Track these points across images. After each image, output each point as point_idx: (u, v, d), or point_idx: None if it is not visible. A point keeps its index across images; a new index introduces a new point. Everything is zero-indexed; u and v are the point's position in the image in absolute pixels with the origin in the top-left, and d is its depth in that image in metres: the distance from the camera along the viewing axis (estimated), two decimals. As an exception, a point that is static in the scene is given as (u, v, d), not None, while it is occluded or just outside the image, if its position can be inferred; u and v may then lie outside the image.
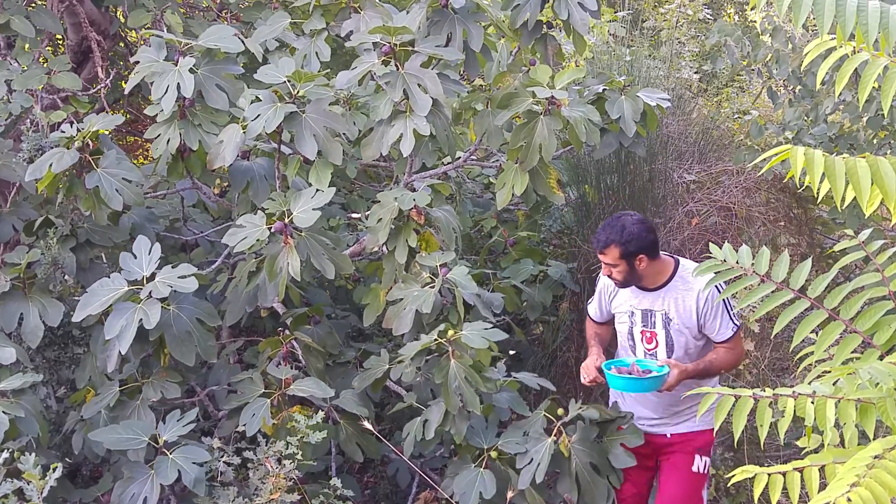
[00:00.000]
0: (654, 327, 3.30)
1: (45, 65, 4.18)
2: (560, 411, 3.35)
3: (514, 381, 3.58)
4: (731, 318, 3.24)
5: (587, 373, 3.32)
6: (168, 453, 3.12)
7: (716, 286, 3.11)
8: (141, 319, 3.05)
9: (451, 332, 3.27)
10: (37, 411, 3.18)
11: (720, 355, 3.27)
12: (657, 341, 3.31)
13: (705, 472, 3.37)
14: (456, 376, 3.26)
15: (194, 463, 3.08)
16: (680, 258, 3.37)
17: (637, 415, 3.37)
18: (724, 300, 3.18)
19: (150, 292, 3.11)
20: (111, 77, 4.55)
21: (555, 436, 3.25)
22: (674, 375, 3.13)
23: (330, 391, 3.38)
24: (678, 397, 3.24)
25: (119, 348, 3.06)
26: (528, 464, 3.22)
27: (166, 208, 4.37)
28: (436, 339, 3.26)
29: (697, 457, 3.34)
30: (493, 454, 3.35)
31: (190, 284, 3.15)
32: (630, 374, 3.19)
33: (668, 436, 3.38)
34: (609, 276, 3.28)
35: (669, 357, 3.27)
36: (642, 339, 3.34)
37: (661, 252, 3.29)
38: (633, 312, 3.35)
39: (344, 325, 4.39)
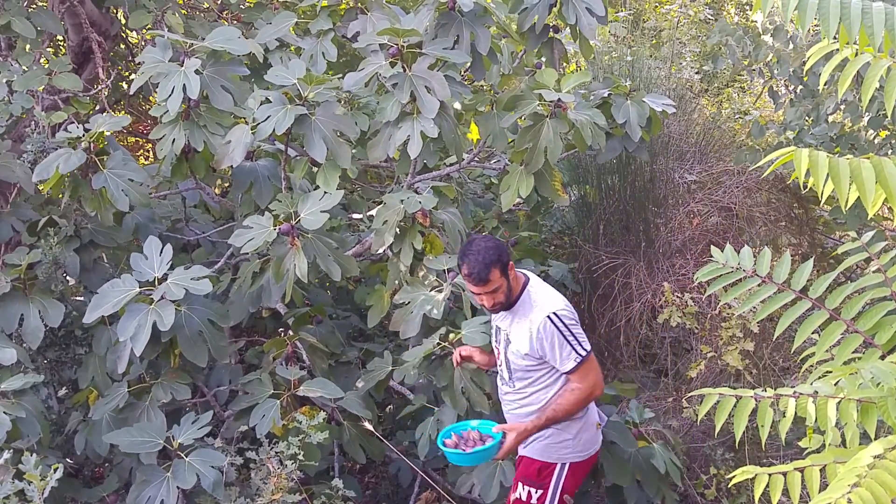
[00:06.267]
0: (499, 345, 3.12)
1: (45, 66, 4.18)
2: None
3: None
4: (573, 348, 2.94)
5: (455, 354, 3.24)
6: (183, 456, 3.12)
7: (548, 316, 2.93)
8: (155, 321, 3.05)
9: (452, 336, 3.29)
10: (38, 412, 3.18)
11: (565, 399, 2.98)
12: (501, 360, 3.12)
13: (528, 501, 3.12)
14: (461, 378, 3.28)
15: (211, 466, 3.09)
16: (530, 275, 3.11)
17: None
18: (564, 327, 2.94)
19: (162, 294, 3.11)
20: (112, 78, 4.55)
21: None
22: (510, 440, 2.97)
23: (340, 392, 3.39)
24: (523, 416, 3.08)
25: (133, 349, 3.06)
26: None
27: (167, 209, 4.37)
28: (438, 343, 3.28)
29: (520, 484, 3.15)
30: None
31: (203, 286, 3.15)
32: (466, 441, 3.01)
33: (517, 454, 3.23)
34: (492, 307, 3.02)
35: (510, 379, 3.08)
36: (496, 353, 3.17)
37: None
38: (492, 324, 3.19)
39: (345, 326, 4.40)
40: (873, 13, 1.90)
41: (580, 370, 2.96)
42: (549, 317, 2.94)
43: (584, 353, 2.96)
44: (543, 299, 3.01)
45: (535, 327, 2.95)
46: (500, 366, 3.14)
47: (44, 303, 3.47)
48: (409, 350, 3.39)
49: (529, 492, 3.12)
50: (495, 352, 3.17)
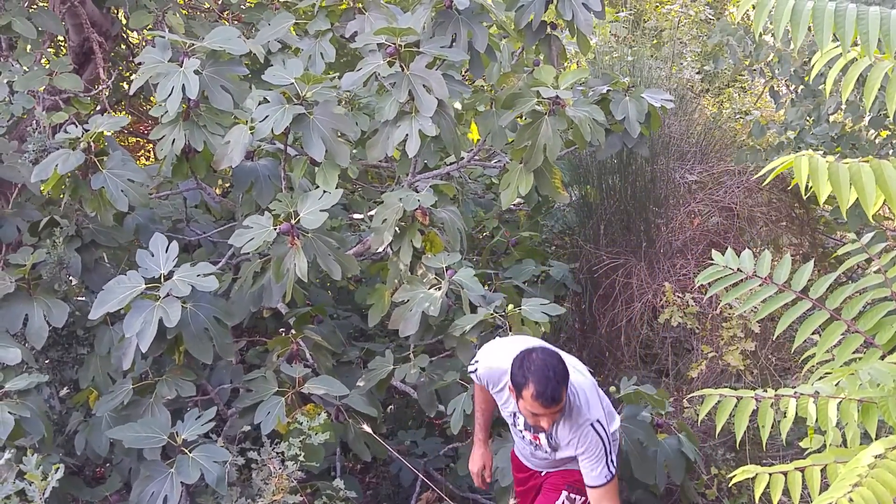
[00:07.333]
0: (538, 434, 2.96)
1: (46, 66, 4.18)
2: (612, 389, 3.43)
3: None
4: (607, 465, 2.81)
5: (476, 477, 3.21)
6: (188, 452, 3.12)
7: (595, 429, 2.81)
8: (161, 317, 3.06)
9: (510, 308, 3.36)
10: (41, 412, 3.19)
11: None
12: (541, 443, 2.98)
13: None
14: None
15: (215, 462, 3.09)
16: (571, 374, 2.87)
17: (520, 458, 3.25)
18: (607, 438, 2.84)
19: (168, 291, 3.11)
20: (113, 78, 4.55)
21: None
22: None
23: (344, 389, 3.39)
24: (561, 461, 3.06)
25: (139, 345, 3.06)
26: None
27: (168, 209, 4.38)
28: (493, 314, 3.33)
29: (564, 492, 3.08)
30: None
31: (210, 283, 3.15)
32: None
33: (543, 473, 3.19)
34: (549, 428, 2.80)
35: (554, 453, 2.97)
36: (527, 436, 3.03)
37: None
38: (516, 414, 2.96)
39: (346, 326, 4.41)
40: (869, 18, 1.90)
41: (607, 489, 2.83)
42: (593, 425, 2.80)
43: (614, 472, 2.84)
44: (585, 401, 2.85)
45: (580, 431, 2.82)
46: (538, 442, 3.01)
47: (48, 303, 3.47)
48: (463, 317, 3.36)
49: (574, 499, 3.08)
50: (527, 438, 3.02)
